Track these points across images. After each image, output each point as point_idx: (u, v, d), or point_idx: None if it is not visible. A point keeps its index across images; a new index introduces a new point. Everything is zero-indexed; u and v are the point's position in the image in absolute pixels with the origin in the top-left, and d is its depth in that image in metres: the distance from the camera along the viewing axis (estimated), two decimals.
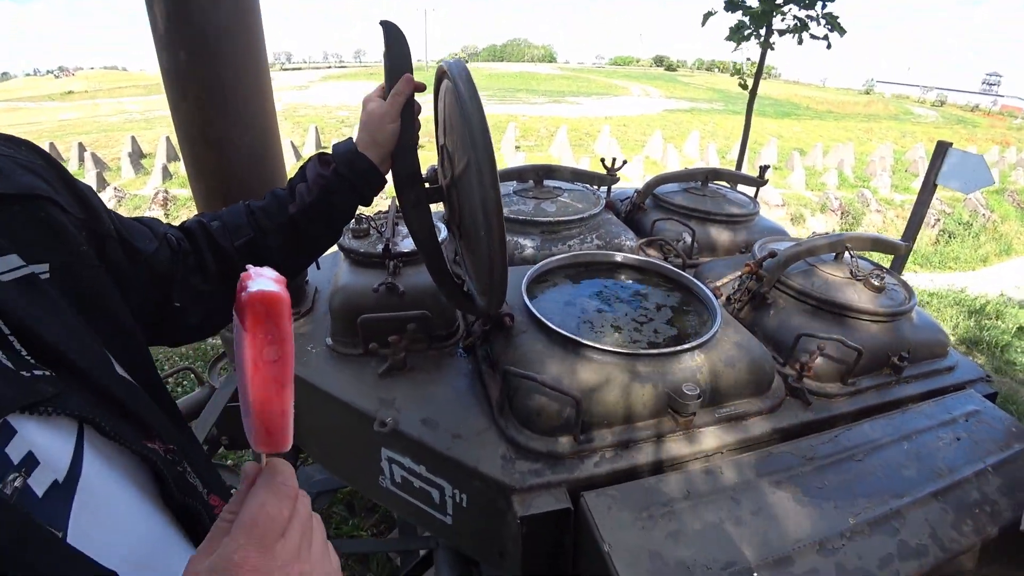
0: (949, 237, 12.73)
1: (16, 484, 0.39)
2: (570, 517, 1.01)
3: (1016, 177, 17.47)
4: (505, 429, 1.14)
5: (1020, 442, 1.30)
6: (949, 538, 1.03)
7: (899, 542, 1.01)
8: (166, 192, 11.47)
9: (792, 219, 11.97)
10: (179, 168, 13.14)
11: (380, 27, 0.92)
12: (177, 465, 0.56)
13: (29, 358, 0.45)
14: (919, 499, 1.10)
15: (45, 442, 0.43)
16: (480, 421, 1.19)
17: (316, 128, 15.08)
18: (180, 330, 0.82)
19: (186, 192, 11.64)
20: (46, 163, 0.60)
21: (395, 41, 0.92)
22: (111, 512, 0.47)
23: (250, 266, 0.47)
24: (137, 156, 13.86)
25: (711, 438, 1.17)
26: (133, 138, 14.33)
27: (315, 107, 20.48)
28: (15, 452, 0.40)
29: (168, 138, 13.88)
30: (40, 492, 0.41)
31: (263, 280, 0.45)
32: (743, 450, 1.18)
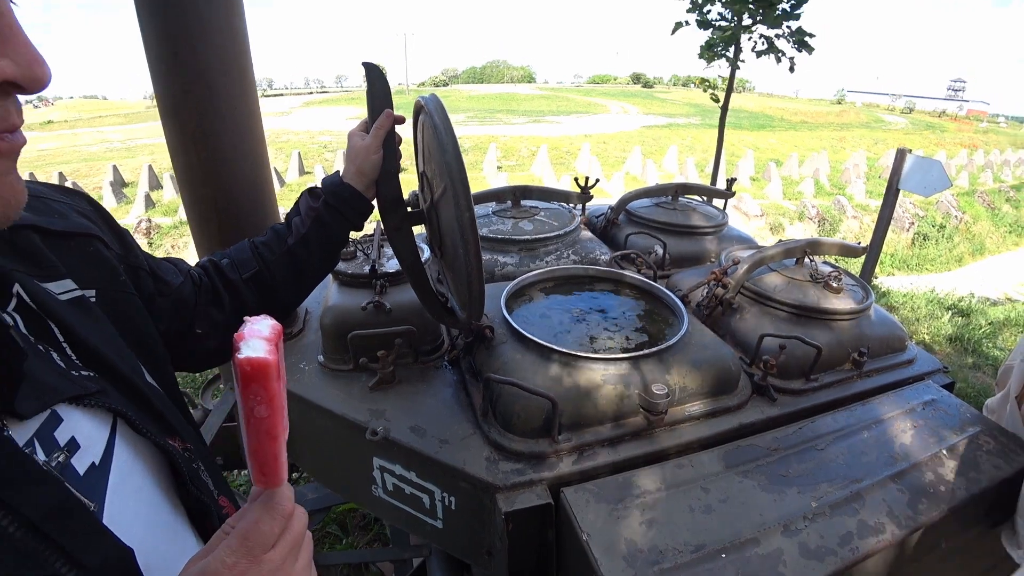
0: (924, 239, 13.08)
1: (59, 459, 0.48)
2: (551, 512, 1.08)
3: (985, 179, 18.02)
4: (488, 433, 1.21)
5: (974, 427, 1.39)
6: (906, 516, 1.12)
7: (858, 522, 1.09)
8: (149, 221, 11.46)
9: (771, 228, 12.24)
10: (162, 196, 13.13)
11: (363, 68, 1.02)
12: (193, 463, 0.63)
13: (77, 361, 0.54)
14: (877, 482, 1.18)
15: (86, 430, 0.51)
16: (465, 427, 1.26)
17: (299, 153, 15.19)
18: (201, 354, 0.92)
19: (169, 220, 11.63)
20: (94, 209, 0.72)
21: (376, 80, 1.01)
22: (135, 496, 0.55)
23: (247, 319, 0.52)
24: (119, 185, 13.84)
25: (682, 434, 1.25)
26: (115, 167, 14.32)
27: (297, 132, 20.61)
28: (61, 436, 0.49)
29: (150, 166, 13.88)
30: (81, 471, 0.49)
31: (255, 343, 0.49)
32: (712, 445, 1.26)
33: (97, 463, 0.51)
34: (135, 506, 0.54)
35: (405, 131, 1.09)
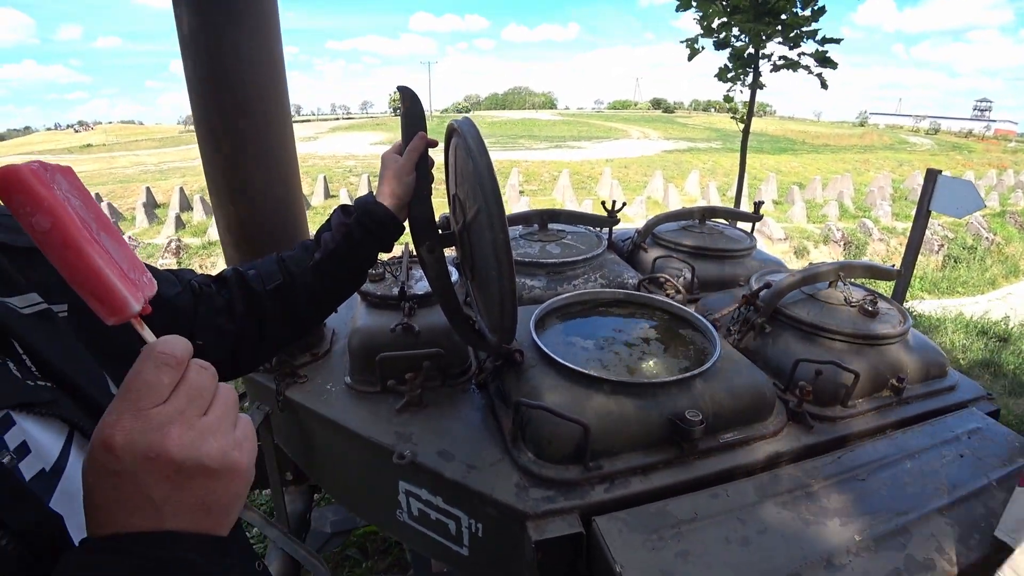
0: (954, 262, 12.74)
1: (5, 460, 0.47)
2: (583, 541, 1.05)
3: (1016, 199, 17.60)
4: (518, 459, 1.19)
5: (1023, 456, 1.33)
6: (957, 552, 1.06)
7: (906, 557, 1.03)
8: (179, 240, 11.76)
9: (795, 252, 12.06)
10: (191, 217, 13.52)
11: (398, 91, 1.04)
12: None
13: (36, 372, 0.55)
14: (924, 515, 1.13)
15: (38, 436, 0.51)
16: (494, 452, 1.24)
17: (324, 177, 15.52)
18: None
19: (198, 241, 11.93)
20: None
21: (410, 103, 1.03)
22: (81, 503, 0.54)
23: None
24: (151, 206, 14.28)
25: (716, 463, 1.22)
26: (148, 189, 14.79)
27: (323, 157, 21.10)
28: (12, 439, 0.49)
29: (182, 188, 14.34)
30: (28, 475, 0.49)
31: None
32: (748, 474, 1.22)
33: (48, 469, 0.51)
34: (80, 513, 0.52)
35: (436, 154, 1.10)
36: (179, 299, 0.85)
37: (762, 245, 2.24)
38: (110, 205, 13.83)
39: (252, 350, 0.97)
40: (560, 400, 1.20)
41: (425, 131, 1.04)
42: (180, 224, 13.07)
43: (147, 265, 0.84)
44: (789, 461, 1.28)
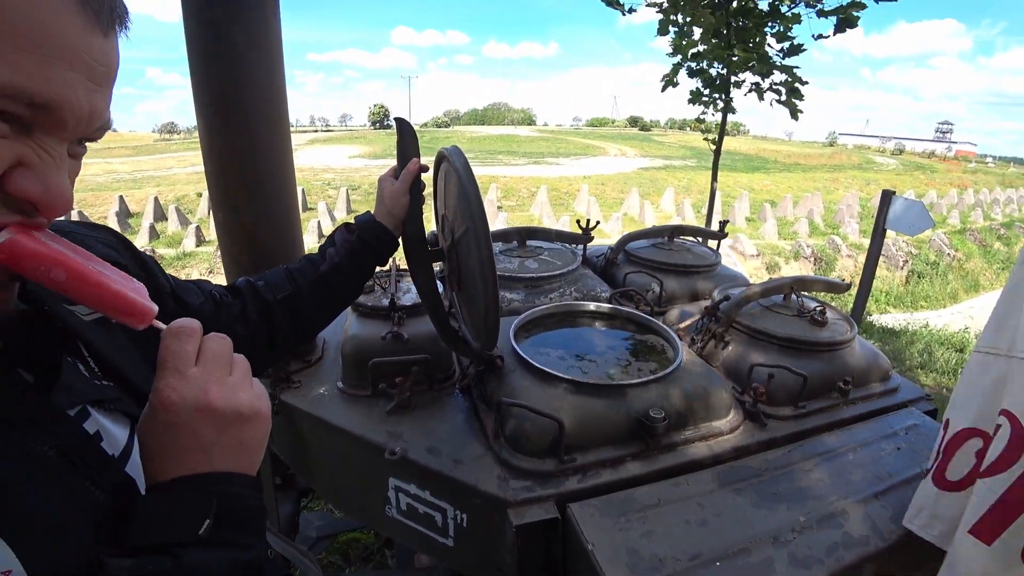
0: (918, 277, 13.26)
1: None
2: (558, 526, 1.17)
3: (975, 217, 18.38)
4: (499, 453, 1.31)
5: None
6: (888, 530, 1.20)
7: (843, 534, 1.17)
8: (153, 251, 11.62)
9: (767, 268, 12.42)
10: (166, 228, 13.36)
11: (395, 121, 1.17)
12: None
13: (99, 372, 0.65)
14: (863, 499, 1.27)
15: (109, 428, 0.61)
16: (477, 448, 1.36)
17: (303, 190, 15.48)
18: None
19: (172, 251, 11.81)
20: (117, 240, 0.83)
21: (406, 132, 1.16)
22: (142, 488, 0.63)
23: None
24: (124, 215, 14.07)
25: (678, 456, 1.35)
26: (121, 198, 14.55)
27: (302, 169, 21.00)
28: (90, 427, 0.59)
29: (156, 198, 14.17)
30: None
31: None
32: (707, 466, 1.35)
33: (117, 455, 0.60)
34: (141, 486, 0.61)
35: (425, 177, 1.23)
36: (204, 308, 0.95)
37: (735, 261, 2.41)
38: (81, 213, 13.59)
39: (262, 355, 1.08)
40: (537, 400, 1.32)
41: (419, 157, 1.17)
42: (154, 234, 12.93)
43: (172, 276, 0.95)
44: (745, 455, 1.41)
